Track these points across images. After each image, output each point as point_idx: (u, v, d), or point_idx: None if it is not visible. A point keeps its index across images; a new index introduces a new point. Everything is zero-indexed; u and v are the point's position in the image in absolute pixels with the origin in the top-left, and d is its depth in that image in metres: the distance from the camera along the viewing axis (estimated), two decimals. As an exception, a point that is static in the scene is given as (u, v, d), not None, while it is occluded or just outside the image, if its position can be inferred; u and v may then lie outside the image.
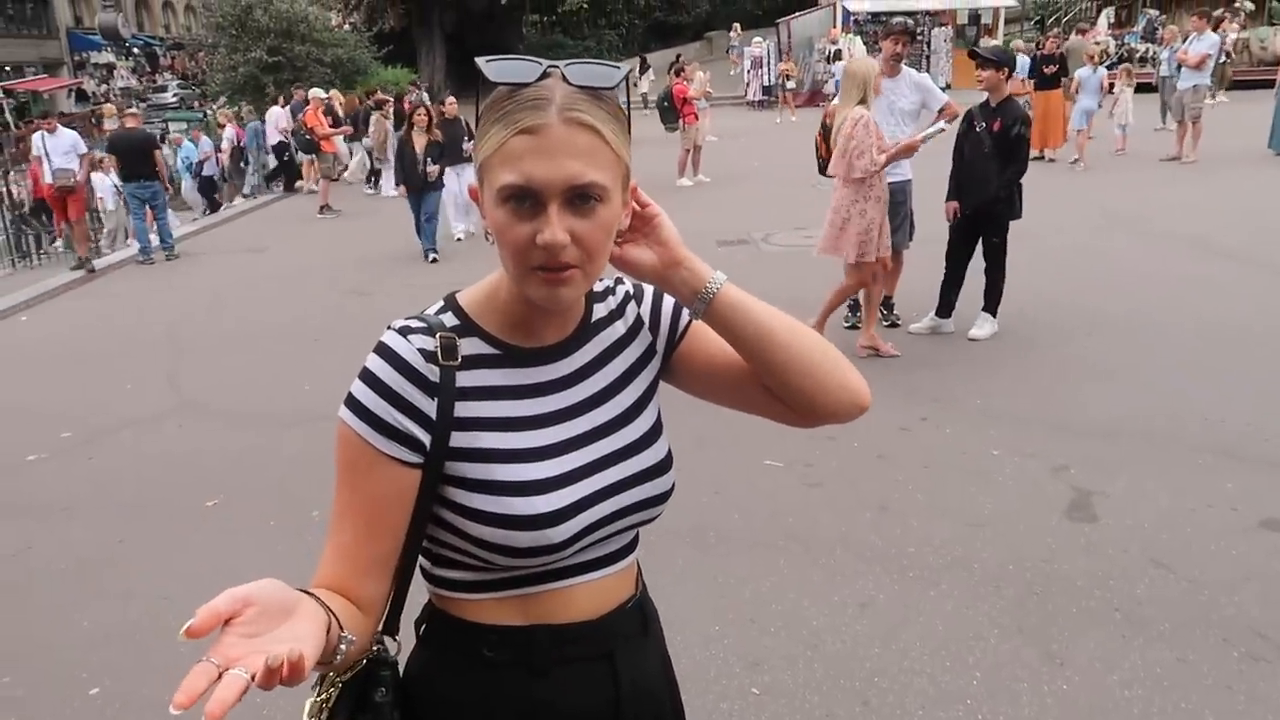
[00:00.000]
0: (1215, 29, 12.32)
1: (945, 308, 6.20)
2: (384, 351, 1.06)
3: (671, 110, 13.90)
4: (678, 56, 17.21)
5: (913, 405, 5.01)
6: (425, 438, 1.04)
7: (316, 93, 15.85)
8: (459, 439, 1.06)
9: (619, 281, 1.23)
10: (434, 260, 9.72)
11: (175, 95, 30.62)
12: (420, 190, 9.82)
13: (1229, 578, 3.31)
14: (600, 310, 1.19)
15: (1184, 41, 13.10)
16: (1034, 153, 12.91)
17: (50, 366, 7.23)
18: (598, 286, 1.20)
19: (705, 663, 3.00)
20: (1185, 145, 12.23)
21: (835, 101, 6.65)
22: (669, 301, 1.21)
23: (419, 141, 9.73)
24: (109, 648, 3.34)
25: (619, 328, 1.20)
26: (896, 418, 4.85)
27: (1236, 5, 22.11)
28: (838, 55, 21.08)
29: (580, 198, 0.97)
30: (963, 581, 3.39)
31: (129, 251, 11.89)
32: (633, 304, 1.22)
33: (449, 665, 1.15)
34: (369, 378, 1.05)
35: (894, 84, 6.17)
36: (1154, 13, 22.69)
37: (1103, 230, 9.06)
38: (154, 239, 11.51)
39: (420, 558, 1.13)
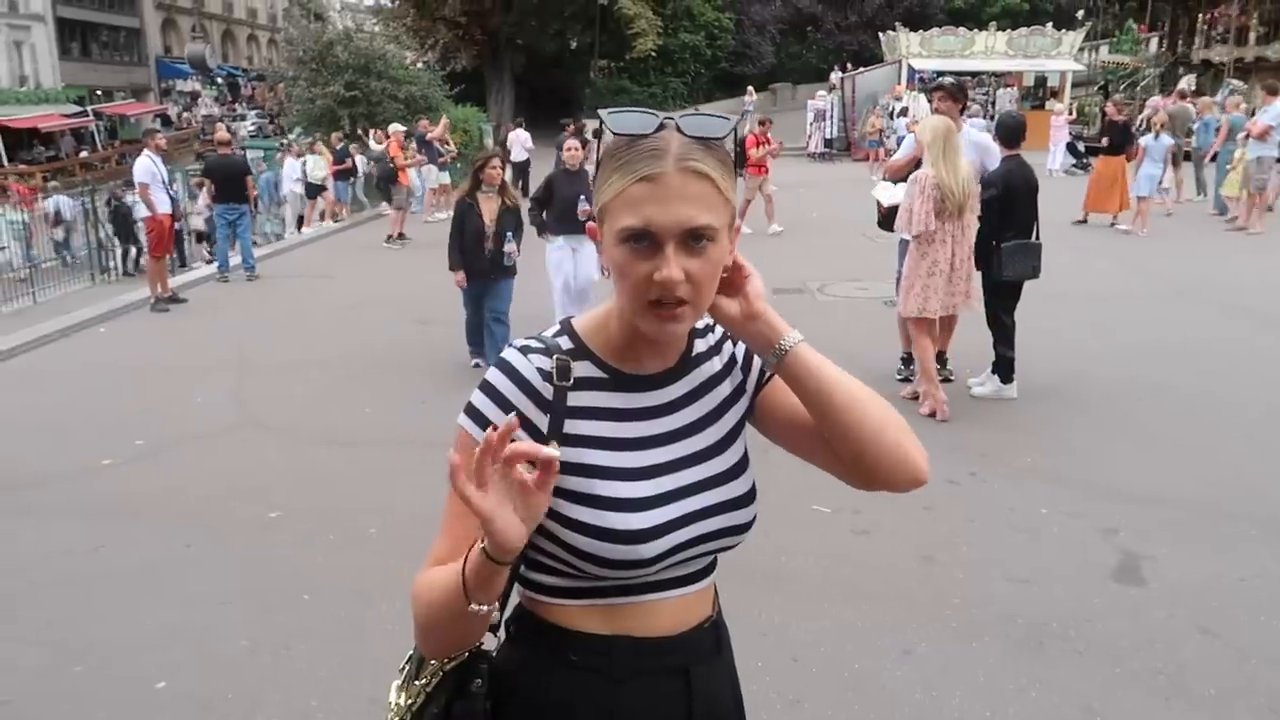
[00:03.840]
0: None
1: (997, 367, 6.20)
2: (505, 367, 1.16)
3: (741, 158, 14.04)
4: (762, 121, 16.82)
5: (961, 460, 5.03)
6: None
7: (396, 127, 16.57)
8: (566, 453, 1.11)
9: (714, 325, 1.32)
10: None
11: (254, 124, 31.78)
12: (486, 277, 6.91)
13: (1275, 649, 3.29)
14: (700, 345, 1.28)
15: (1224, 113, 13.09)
16: (1098, 218, 12.97)
17: (126, 377, 7.55)
18: (699, 323, 1.27)
19: (746, 697, 3.05)
20: (1252, 216, 12.08)
21: (896, 157, 6.74)
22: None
23: (487, 207, 6.80)
24: (174, 647, 3.49)
25: (715, 364, 1.28)
26: (945, 471, 4.87)
27: None
28: (903, 112, 21.21)
29: (693, 238, 1.06)
30: (1005, 635, 3.41)
31: (209, 269, 12.40)
32: (729, 343, 1.31)
33: (535, 665, 1.22)
34: (489, 389, 1.16)
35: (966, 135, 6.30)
36: (1237, 82, 22.47)
37: (1165, 298, 9.00)
38: (235, 259, 11.97)
39: None
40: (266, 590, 3.89)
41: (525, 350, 1.17)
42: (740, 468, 1.26)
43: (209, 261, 13.97)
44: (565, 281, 7.32)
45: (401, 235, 14.46)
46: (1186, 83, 22.74)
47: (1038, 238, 5.90)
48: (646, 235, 1.06)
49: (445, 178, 17.60)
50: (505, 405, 1.14)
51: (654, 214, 1.05)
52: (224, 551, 4.30)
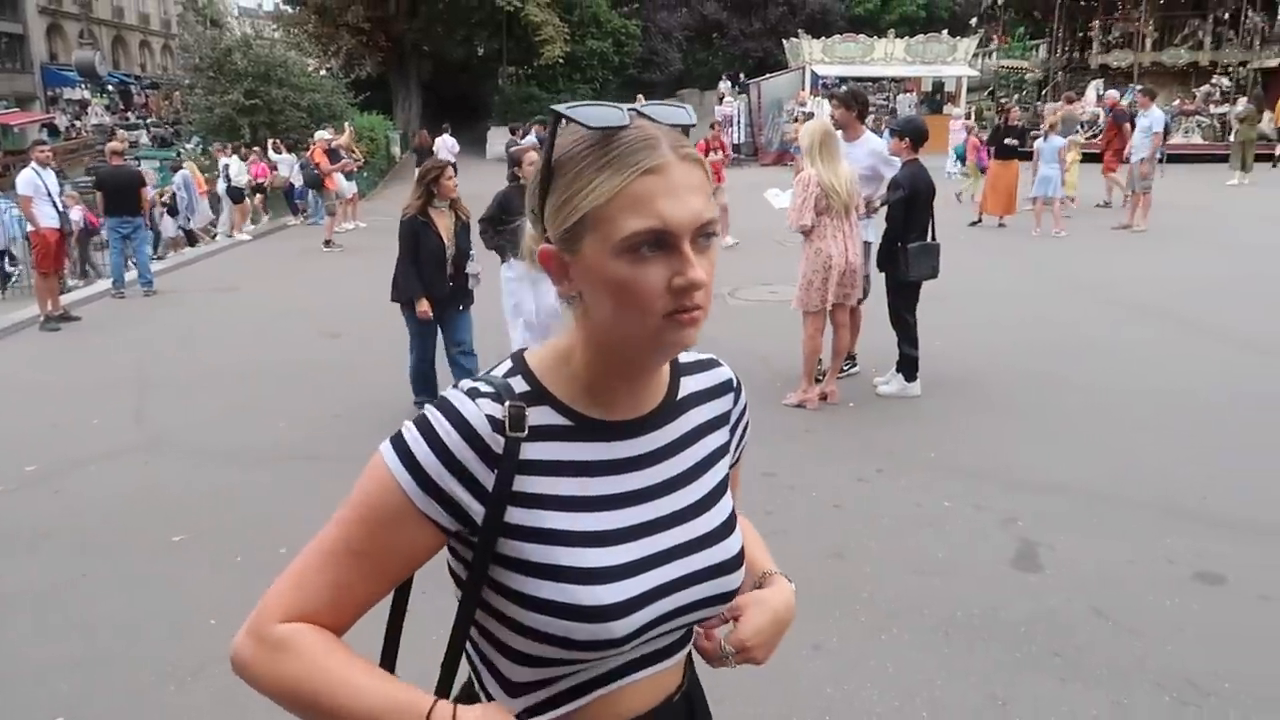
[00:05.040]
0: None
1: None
2: (449, 411, 0.99)
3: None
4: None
5: (870, 458, 5.17)
6: (477, 510, 0.98)
7: (322, 134, 16.53)
8: (518, 515, 0.99)
9: (717, 362, 1.19)
10: None
11: (150, 134, 30.68)
12: (448, 306, 6.00)
13: (1164, 627, 3.47)
14: (690, 385, 1.13)
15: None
16: (990, 218, 13.47)
17: (17, 399, 7.21)
18: (688, 358, 1.14)
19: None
20: (1136, 215, 12.72)
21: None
22: (748, 416, 1.22)
23: (443, 224, 5.86)
24: (73, 678, 3.36)
25: (709, 410, 1.13)
26: (854, 469, 5.01)
27: (1213, 83, 23.09)
28: (807, 117, 21.66)
29: (704, 235, 0.94)
30: (913, 627, 3.52)
31: (103, 285, 11.91)
32: (732, 395, 1.17)
33: None
34: (429, 432, 0.98)
35: (852, 148, 6.46)
36: (1139, 87, 23.49)
37: (1059, 295, 9.39)
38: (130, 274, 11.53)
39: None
40: (170, 617, 3.77)
41: (474, 394, 1.00)
42: (729, 527, 1.11)
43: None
44: (526, 320, 6.19)
45: (328, 242, 14.36)
46: (1095, 88, 23.75)
47: (934, 239, 6.11)
48: (662, 237, 0.91)
49: (353, 187, 17.29)
50: (447, 458, 0.97)
51: (669, 210, 0.91)
52: (125, 578, 4.15)
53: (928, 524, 4.38)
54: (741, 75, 33.07)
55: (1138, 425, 5.65)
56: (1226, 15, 26.08)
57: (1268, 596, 3.67)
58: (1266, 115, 22.66)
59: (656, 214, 0.91)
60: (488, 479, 0.98)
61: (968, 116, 19.84)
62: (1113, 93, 17.66)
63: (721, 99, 27.76)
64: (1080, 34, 27.70)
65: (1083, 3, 27.05)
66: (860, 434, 5.57)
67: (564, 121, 0.96)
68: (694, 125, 0.98)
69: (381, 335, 8.24)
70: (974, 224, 13.68)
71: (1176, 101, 23.83)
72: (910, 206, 6.04)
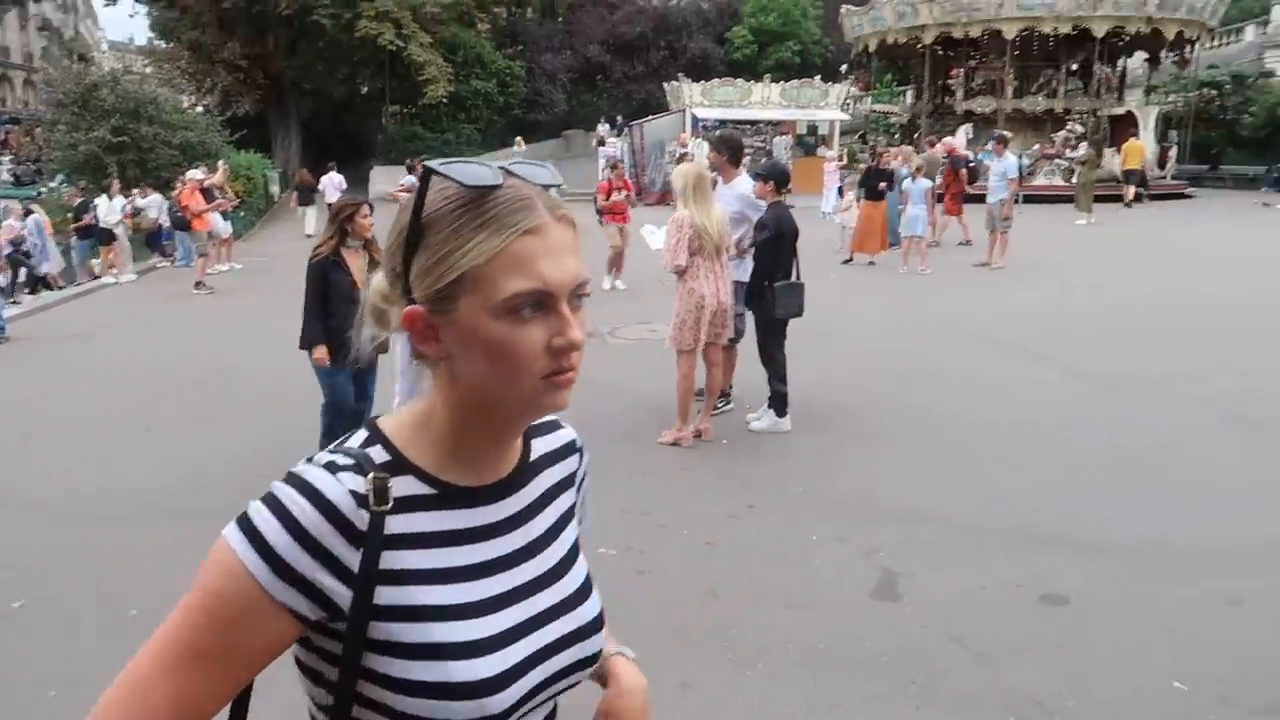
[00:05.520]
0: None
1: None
2: (306, 489, 0.91)
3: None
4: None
5: (742, 494, 5.26)
6: (343, 594, 0.92)
7: (193, 174, 15.90)
8: (388, 595, 0.93)
9: (560, 424, 1.18)
10: None
11: (10, 172, 29.14)
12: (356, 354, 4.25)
13: (1013, 650, 3.64)
14: (540, 446, 1.11)
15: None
16: (862, 257, 13.99)
17: None
18: (535, 420, 1.10)
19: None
20: (995, 253, 13.43)
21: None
22: (589, 478, 1.21)
23: (355, 265, 5.38)
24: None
25: (558, 471, 1.13)
26: (726, 506, 5.09)
27: (1067, 130, 24.65)
28: (687, 158, 22.14)
29: (578, 296, 0.95)
30: (779, 661, 3.58)
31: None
32: (577, 456, 1.17)
33: None
34: (283, 514, 0.90)
35: (725, 190, 6.66)
36: (999, 133, 24.87)
37: (924, 330, 9.79)
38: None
39: None
40: (5, 690, 3.53)
41: (333, 467, 0.93)
42: (588, 588, 1.10)
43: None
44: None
45: (199, 284, 13.81)
46: (964, 132, 25.04)
47: (799, 278, 6.32)
48: (543, 298, 0.91)
49: (228, 228, 16.76)
50: (306, 539, 0.89)
51: (550, 270, 0.91)
52: (-45, 650, 3.87)
53: (796, 558, 4.48)
54: (620, 118, 33.76)
55: (993, 454, 5.93)
56: (1075, 66, 28.12)
57: (1106, 615, 3.88)
58: (1113, 156, 24.37)
59: (538, 275, 0.91)
60: (352, 559, 0.91)
61: (839, 159, 20.62)
62: (949, 139, 18.65)
63: (601, 141, 28.22)
64: (945, 81, 29.28)
65: (947, 53, 28.61)
66: (733, 470, 5.67)
67: (431, 178, 0.94)
68: (560, 185, 0.99)
69: (252, 383, 8.00)
70: (846, 262, 14.18)
71: (1036, 146, 25.44)
72: (776, 247, 6.24)
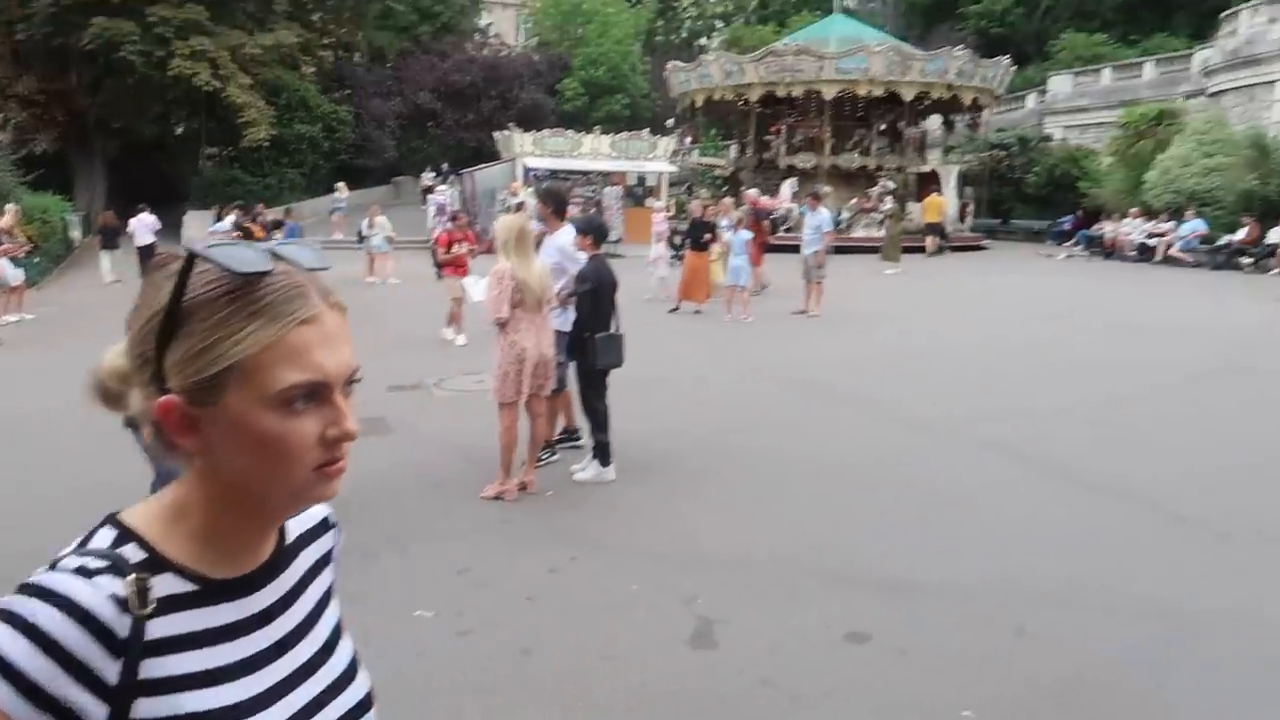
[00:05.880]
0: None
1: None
2: (55, 598, 0.84)
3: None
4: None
5: (564, 547, 5.26)
6: (98, 713, 0.85)
7: None
8: (149, 707, 0.87)
9: None
10: None
11: None
12: None
13: (820, 691, 3.78)
14: (295, 527, 1.07)
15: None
16: (688, 305, 14.38)
17: None
18: None
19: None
20: (811, 302, 14.12)
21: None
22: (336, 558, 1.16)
23: None
24: None
25: (315, 551, 1.09)
26: (548, 560, 5.07)
27: (881, 186, 26.31)
28: (519, 207, 22.22)
29: (349, 384, 0.93)
30: (594, 716, 3.58)
31: None
32: (332, 534, 1.14)
33: None
34: (28, 628, 0.82)
35: (548, 241, 6.75)
36: (826, 189, 26.39)
37: (746, 376, 10.15)
38: None
39: None
40: None
41: (85, 572, 0.86)
42: (355, 666, 1.08)
43: None
44: None
45: None
46: (789, 185, 26.26)
47: (618, 329, 6.44)
48: (318, 389, 0.89)
49: (19, 275, 15.46)
50: (58, 654, 0.82)
51: (326, 361, 0.89)
52: None
53: (616, 609, 4.51)
54: (445, 165, 33.66)
55: (808, 496, 6.18)
56: (884, 127, 30.29)
57: (905, 650, 4.10)
58: (917, 210, 26.25)
59: (315, 365, 0.88)
60: (111, 671, 0.84)
61: (667, 209, 21.19)
62: (752, 192, 19.62)
63: (429, 189, 28.02)
64: (765, 137, 30.79)
65: (769, 110, 30.13)
66: (557, 522, 5.66)
67: (195, 261, 0.89)
68: (327, 269, 0.96)
69: (42, 448, 7.37)
70: (672, 311, 14.54)
71: (854, 200, 27.15)
72: (596, 298, 6.34)
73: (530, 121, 32.74)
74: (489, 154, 31.73)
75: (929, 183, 28.77)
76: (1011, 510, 5.95)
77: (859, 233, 25.89)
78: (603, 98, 42.76)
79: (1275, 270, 20.46)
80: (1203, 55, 30.75)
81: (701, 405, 8.69)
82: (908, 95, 27.82)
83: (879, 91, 27.55)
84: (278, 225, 19.62)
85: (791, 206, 23.95)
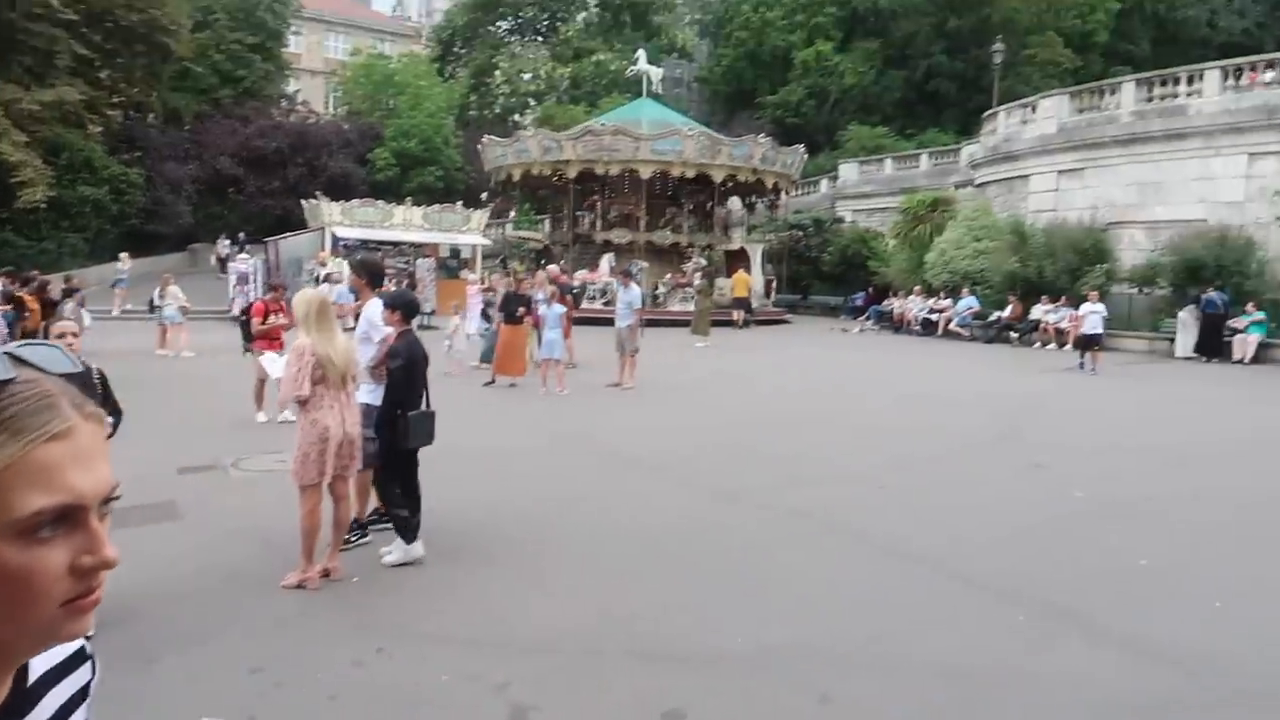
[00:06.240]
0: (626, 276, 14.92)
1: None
2: None
3: (248, 328, 12.40)
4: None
5: (371, 637, 5.02)
6: None
7: None
8: None
9: None
10: None
11: None
12: None
13: (634, 771, 3.76)
14: (40, 665, 0.93)
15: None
16: (504, 379, 14.31)
17: None
18: None
19: None
20: (625, 375, 14.38)
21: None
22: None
23: None
24: None
25: (67, 687, 0.97)
26: (353, 652, 4.82)
27: (694, 262, 27.26)
28: (328, 278, 21.53)
29: (106, 504, 0.83)
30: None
31: None
32: (89, 665, 1.01)
33: None
34: None
35: (368, 310, 6.63)
36: (643, 263, 27.18)
37: (562, 449, 10.15)
38: None
39: None
40: None
41: None
42: None
43: None
44: None
45: None
46: (608, 260, 26.72)
47: (429, 406, 6.32)
48: (70, 513, 0.79)
49: None
50: None
51: (80, 481, 0.79)
52: None
53: (425, 702, 4.33)
54: (242, 234, 32.46)
55: (620, 569, 6.20)
56: (691, 207, 31.71)
57: (717, 724, 4.15)
58: (725, 285, 27.44)
59: (67, 487, 0.79)
60: None
61: (481, 282, 21.15)
62: (552, 267, 19.97)
63: (224, 258, 26.81)
64: (578, 213, 31.50)
65: (586, 186, 30.87)
66: (363, 611, 5.41)
67: None
68: (80, 371, 0.87)
69: None
70: (488, 384, 14.42)
71: (669, 276, 28.11)
72: (409, 375, 6.21)
73: (339, 191, 32.09)
74: (295, 222, 30.73)
75: (738, 260, 30.27)
76: (813, 574, 6.20)
77: (675, 306, 26.75)
78: (415, 169, 42.52)
79: (1038, 344, 22.63)
80: (969, 150, 34.13)
81: (516, 479, 8.61)
82: (717, 177, 29.44)
83: (691, 173, 28.95)
84: (70, 293, 17.85)
85: (610, 281, 24.48)
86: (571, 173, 29.14)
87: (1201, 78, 23.52)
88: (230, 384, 13.62)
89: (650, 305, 26.49)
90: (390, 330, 6.43)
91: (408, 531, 6.19)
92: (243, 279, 25.26)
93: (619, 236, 29.43)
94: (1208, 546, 7.00)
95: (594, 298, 25.93)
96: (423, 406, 6.31)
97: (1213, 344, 20.02)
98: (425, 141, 43.33)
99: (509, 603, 5.60)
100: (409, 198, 31.51)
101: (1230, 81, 22.94)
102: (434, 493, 6.49)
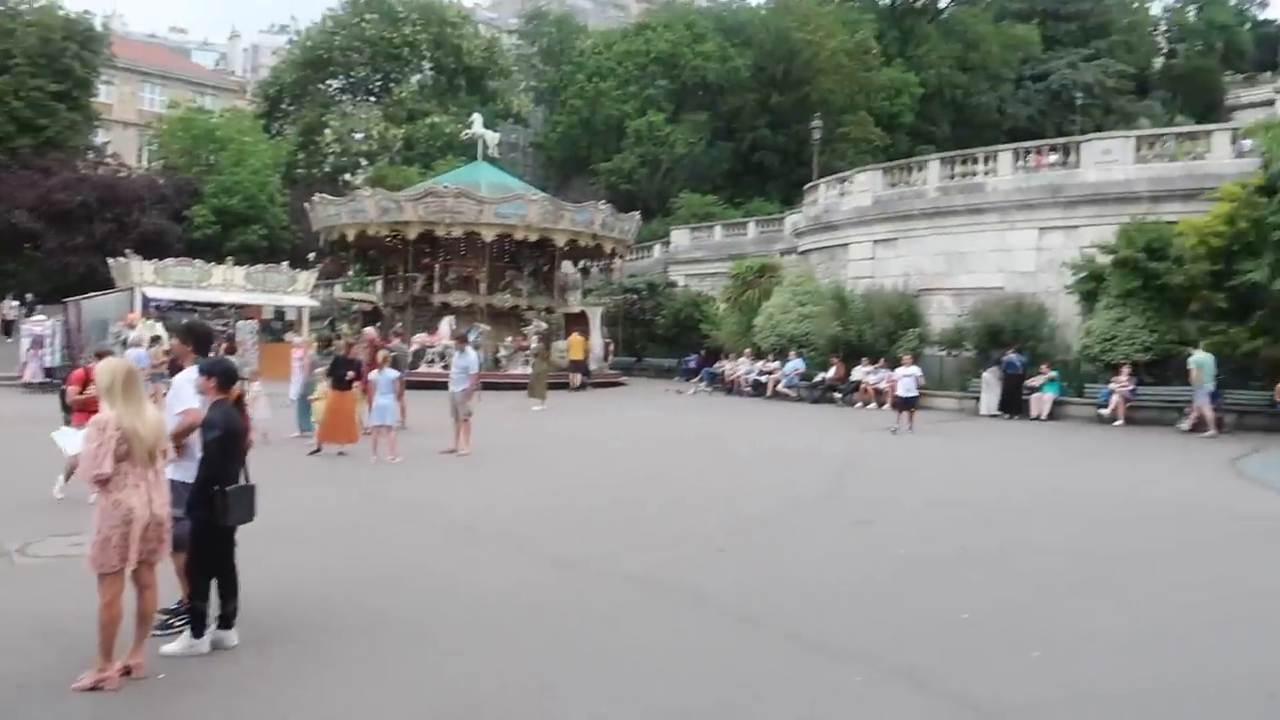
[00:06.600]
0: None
1: (220, 619, 5.90)
2: None
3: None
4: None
5: (179, 739, 4.58)
6: None
7: None
8: None
9: None
10: None
11: None
12: None
13: None
14: None
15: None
16: (331, 447, 13.70)
17: None
18: None
19: None
20: (460, 440, 14.05)
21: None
22: None
23: None
24: None
25: None
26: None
27: (535, 325, 27.08)
28: (155, 340, 20.14)
29: None
30: None
31: None
32: None
33: None
34: None
35: (178, 378, 6.21)
36: (484, 327, 26.80)
37: (395, 521, 9.74)
38: None
39: None
40: None
41: None
42: None
43: None
44: None
45: None
46: (448, 323, 26.15)
47: (249, 479, 5.93)
48: None
49: None
50: None
51: None
52: None
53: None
54: (29, 296, 30.18)
55: (453, 649, 5.94)
56: (531, 270, 31.73)
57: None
58: (563, 347, 27.49)
59: None
60: None
61: (309, 345, 20.31)
62: (369, 330, 19.61)
63: (10, 321, 24.81)
64: (409, 274, 30.91)
65: (424, 247, 30.33)
66: (167, 714, 4.93)
67: None
68: None
69: None
70: (314, 453, 13.75)
71: (510, 339, 27.93)
72: (225, 447, 5.81)
73: (153, 249, 30.25)
74: (102, 281, 28.70)
75: (578, 323, 30.47)
76: (655, 643, 6.14)
77: (516, 369, 26.53)
78: (238, 227, 40.72)
79: (859, 404, 23.75)
80: (792, 219, 35.89)
81: (346, 554, 8.16)
82: (560, 241, 29.82)
83: (534, 237, 29.10)
84: None
85: (450, 344, 24.02)
86: (412, 234, 28.59)
87: (996, 159, 25.71)
88: (23, 457, 12.40)
89: (492, 368, 26.26)
90: (194, 401, 6.01)
91: (200, 626, 5.70)
92: (37, 342, 23.27)
93: (458, 299, 29.05)
94: (1021, 598, 7.42)
95: (433, 361, 25.39)
96: (241, 480, 5.91)
97: (1014, 402, 21.58)
98: (249, 199, 41.58)
99: (341, 698, 5.23)
100: (230, 257, 30.04)
101: (1021, 163, 25.19)
102: (254, 573, 6.06)
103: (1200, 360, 18.48)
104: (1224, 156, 21.84)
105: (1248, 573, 8.24)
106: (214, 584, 5.83)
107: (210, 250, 33.91)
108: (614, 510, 10.45)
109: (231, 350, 14.28)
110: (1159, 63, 72.03)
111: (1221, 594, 7.52)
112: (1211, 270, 19.16)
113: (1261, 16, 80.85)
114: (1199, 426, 18.48)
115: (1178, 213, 20.83)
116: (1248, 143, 21.09)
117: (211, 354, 6.87)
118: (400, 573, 7.65)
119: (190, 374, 6.24)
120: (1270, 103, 48.67)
